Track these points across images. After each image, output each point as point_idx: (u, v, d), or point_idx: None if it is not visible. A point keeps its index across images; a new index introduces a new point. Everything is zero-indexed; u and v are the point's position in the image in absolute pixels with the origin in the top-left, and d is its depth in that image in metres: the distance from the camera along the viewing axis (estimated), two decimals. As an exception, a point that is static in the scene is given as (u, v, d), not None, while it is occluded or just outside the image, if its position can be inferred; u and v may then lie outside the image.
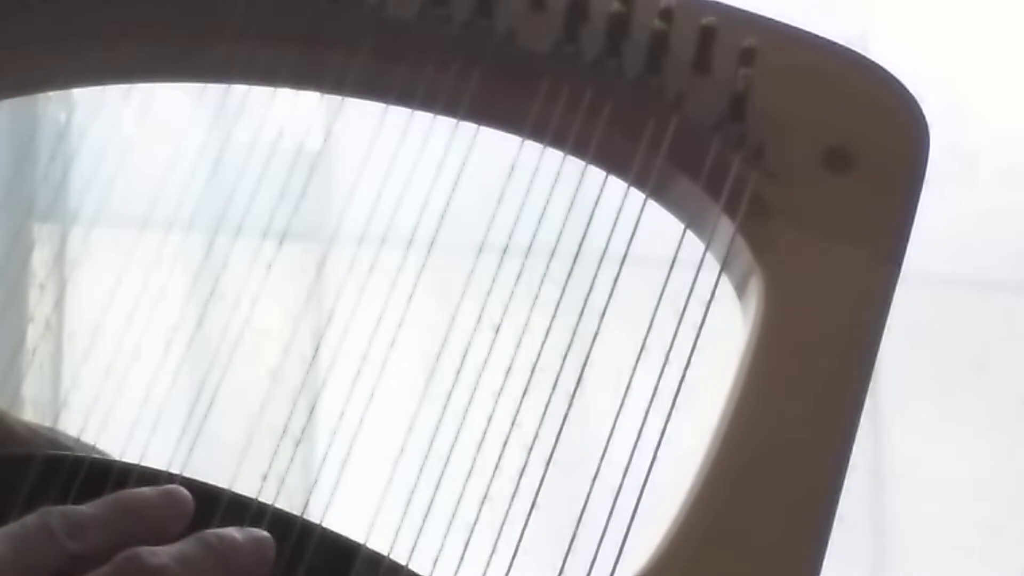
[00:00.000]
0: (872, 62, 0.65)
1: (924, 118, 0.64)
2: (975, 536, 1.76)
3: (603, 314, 0.60)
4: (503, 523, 0.57)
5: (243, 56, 0.63)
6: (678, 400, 0.58)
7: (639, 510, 0.57)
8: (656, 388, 0.59)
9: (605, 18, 0.63)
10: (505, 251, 0.61)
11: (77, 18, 0.64)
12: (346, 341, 0.61)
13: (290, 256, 0.63)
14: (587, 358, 0.60)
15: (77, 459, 0.57)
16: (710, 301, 0.60)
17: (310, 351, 0.63)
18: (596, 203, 0.62)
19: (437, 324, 0.62)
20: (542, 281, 0.60)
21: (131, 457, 0.60)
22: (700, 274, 0.61)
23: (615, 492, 0.58)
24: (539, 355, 0.58)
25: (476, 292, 0.61)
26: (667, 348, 0.60)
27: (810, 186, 0.63)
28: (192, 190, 0.66)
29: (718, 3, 0.64)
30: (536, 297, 0.59)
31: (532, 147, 0.64)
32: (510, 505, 0.57)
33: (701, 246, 0.63)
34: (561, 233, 0.60)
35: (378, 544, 0.57)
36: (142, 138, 0.71)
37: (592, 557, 0.57)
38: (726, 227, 0.62)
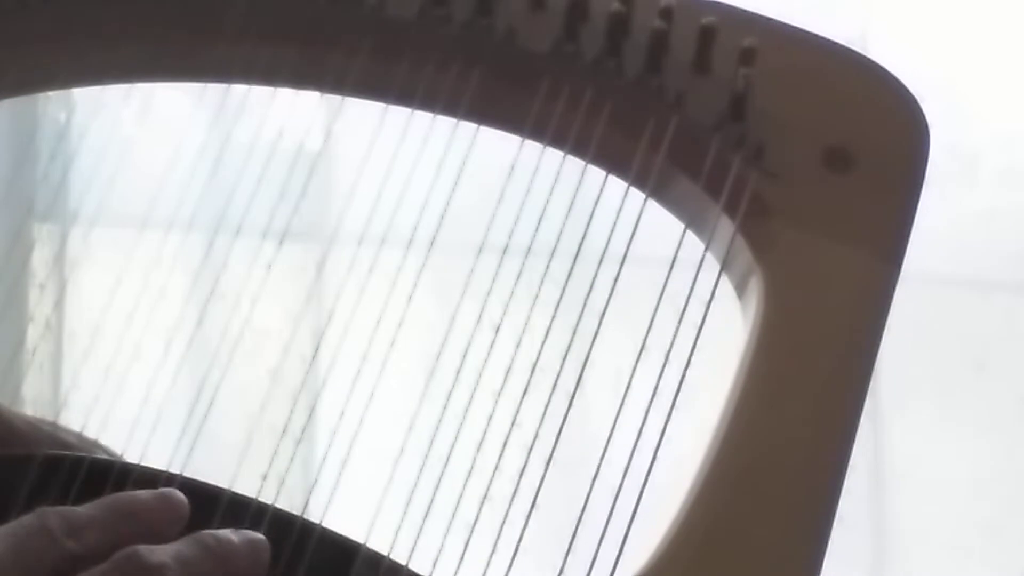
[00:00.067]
0: (872, 62, 0.65)
1: (924, 118, 0.64)
2: (975, 536, 1.76)
3: (603, 314, 0.60)
4: (503, 523, 0.57)
5: (243, 56, 0.63)
6: (678, 400, 0.58)
7: (639, 510, 0.57)
8: (656, 388, 0.59)
9: (605, 18, 0.63)
10: (505, 251, 0.61)
11: (77, 18, 0.64)
12: (346, 341, 0.61)
13: (290, 256, 0.63)
14: (587, 358, 0.60)
15: (77, 459, 0.57)
16: (710, 301, 0.60)
17: (310, 351, 0.63)
18: (596, 203, 0.62)
19: (437, 324, 0.62)
20: (542, 281, 0.60)
21: (131, 457, 0.60)
22: (700, 274, 0.61)
23: (615, 492, 0.58)
24: (539, 355, 0.58)
25: (476, 292, 0.61)
26: (667, 348, 0.60)
27: (810, 186, 0.63)
28: (192, 190, 0.66)
29: (718, 3, 0.64)
30: (536, 297, 0.59)
31: (532, 147, 0.64)
32: (510, 505, 0.57)
33: (701, 246, 0.63)
34: (561, 233, 0.60)
35: (378, 544, 0.57)
36: (142, 138, 0.71)
37: (592, 557, 0.57)
38: (726, 227, 0.62)
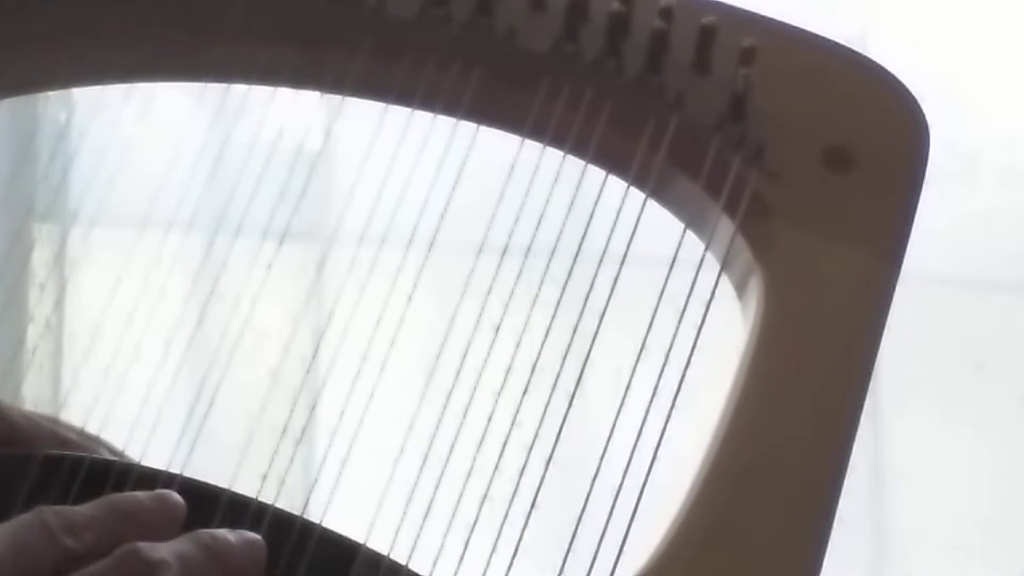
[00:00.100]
0: (872, 62, 0.65)
1: (924, 118, 0.64)
2: (975, 536, 1.76)
3: (603, 314, 0.60)
4: (503, 523, 0.57)
5: (243, 56, 0.63)
6: (678, 400, 0.58)
7: (639, 510, 0.57)
8: (656, 388, 0.59)
9: (605, 17, 0.63)
10: (505, 251, 0.61)
11: (77, 18, 0.64)
12: (346, 341, 0.61)
13: (290, 256, 0.63)
14: (587, 358, 0.60)
15: (77, 459, 0.57)
16: (710, 301, 0.60)
17: (310, 351, 0.63)
18: (596, 203, 0.62)
19: (437, 324, 0.62)
20: (542, 281, 0.60)
21: (131, 457, 0.60)
22: (700, 274, 0.61)
23: (615, 492, 0.58)
24: (539, 355, 0.58)
25: (476, 292, 0.61)
26: (667, 348, 0.60)
27: (810, 186, 0.63)
28: (192, 190, 0.66)
29: (718, 3, 0.64)
30: (536, 297, 0.59)
31: (532, 147, 0.64)
32: (510, 505, 0.57)
33: (701, 246, 0.63)
34: (561, 233, 0.60)
35: (378, 544, 0.57)
36: (142, 138, 0.71)
37: (592, 557, 0.57)
38: (726, 227, 0.62)
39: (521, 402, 0.58)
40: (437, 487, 0.57)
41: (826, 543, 0.58)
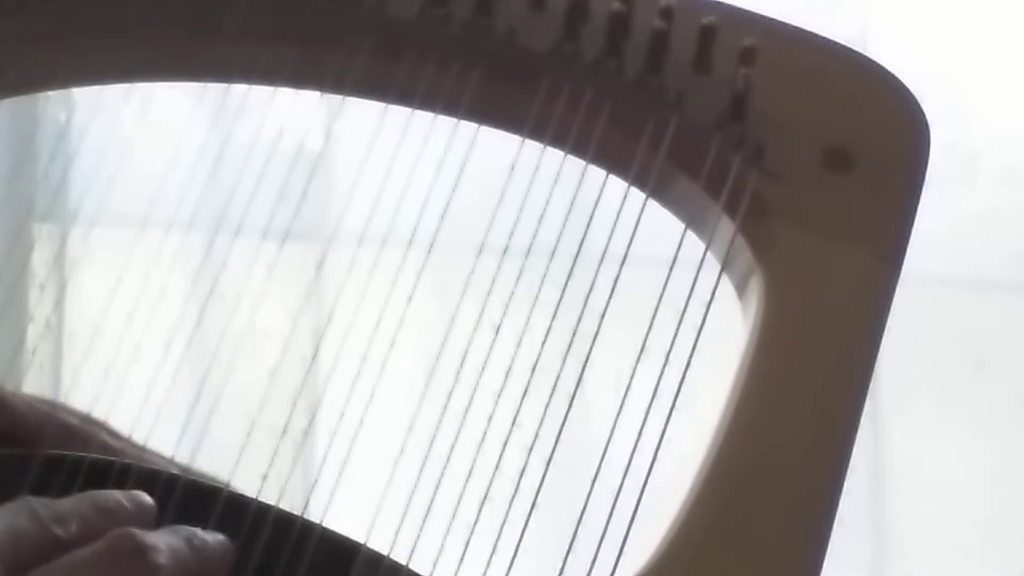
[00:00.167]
0: (872, 62, 0.65)
1: (924, 118, 0.64)
2: (975, 536, 1.76)
3: (603, 314, 0.60)
4: (503, 523, 0.57)
5: (243, 56, 0.63)
6: (678, 401, 0.58)
7: (639, 510, 0.57)
8: (656, 389, 0.59)
9: (605, 17, 0.63)
10: (505, 251, 0.61)
11: (77, 18, 0.64)
12: (346, 341, 0.61)
13: (290, 256, 0.63)
14: (587, 358, 0.60)
15: (77, 459, 0.57)
16: (710, 301, 0.60)
17: (310, 351, 0.63)
18: (596, 203, 0.62)
19: (437, 324, 0.62)
20: (542, 281, 0.60)
21: (135, 440, 0.60)
22: (700, 274, 0.61)
23: (615, 492, 0.58)
24: (539, 355, 0.58)
25: (476, 292, 0.61)
26: (667, 349, 0.60)
27: (810, 186, 0.63)
28: (192, 190, 0.66)
29: (718, 3, 0.64)
30: (536, 297, 0.59)
31: (532, 147, 0.64)
32: (510, 505, 0.57)
33: (701, 246, 0.63)
34: (561, 233, 0.60)
35: (378, 544, 0.57)
36: (142, 138, 0.71)
37: (592, 557, 0.57)
38: (726, 227, 0.62)
39: (521, 403, 0.58)
40: (437, 487, 0.57)
41: (826, 544, 0.58)
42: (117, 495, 0.55)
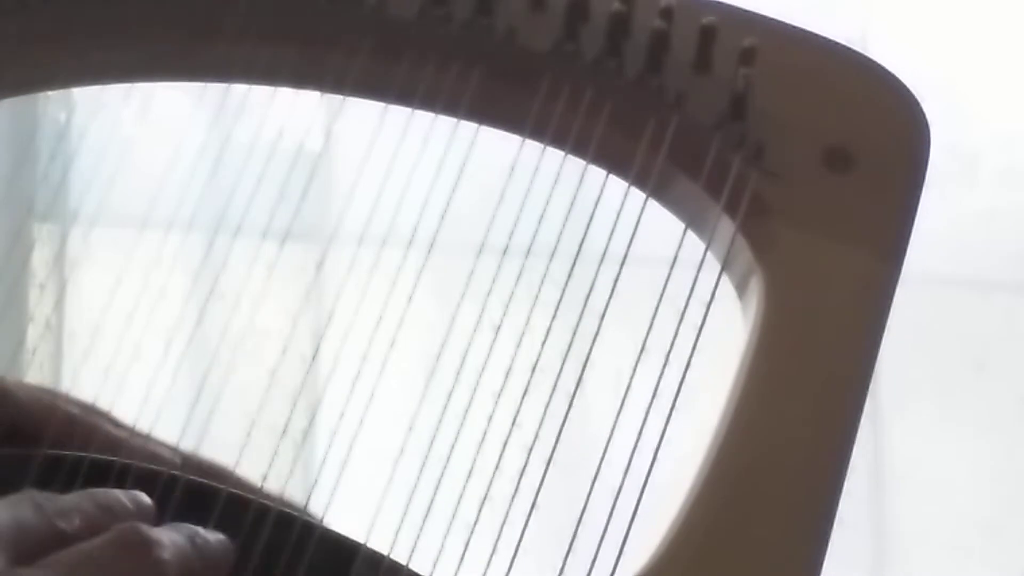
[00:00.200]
0: (873, 62, 0.65)
1: (924, 117, 0.64)
2: (975, 536, 1.76)
3: (603, 314, 0.60)
4: (503, 523, 0.57)
5: (243, 55, 0.63)
6: (678, 401, 0.58)
7: (639, 510, 0.57)
8: (656, 389, 0.59)
9: (606, 17, 0.63)
10: (505, 251, 0.61)
11: (77, 17, 0.64)
12: (346, 341, 0.61)
13: (290, 256, 0.63)
14: (587, 358, 0.60)
15: (77, 458, 0.57)
16: (710, 301, 0.60)
17: (310, 351, 0.63)
18: (596, 203, 0.62)
19: (437, 324, 0.62)
20: (542, 281, 0.60)
21: (137, 428, 0.60)
22: (700, 274, 0.61)
23: (615, 492, 0.58)
24: (539, 355, 0.58)
25: (476, 292, 0.61)
26: (667, 349, 0.60)
27: (810, 186, 0.63)
28: (192, 190, 0.66)
29: (718, 3, 0.64)
30: (536, 297, 0.59)
31: (532, 147, 0.64)
32: (510, 505, 0.57)
33: (701, 246, 0.63)
34: (561, 233, 0.60)
35: (378, 544, 0.57)
36: (142, 138, 0.71)
37: (592, 557, 0.57)
38: (726, 227, 0.62)
39: (521, 403, 0.58)
40: (437, 487, 0.57)
41: (826, 543, 0.58)
42: (118, 494, 0.55)
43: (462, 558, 0.57)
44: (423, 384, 0.60)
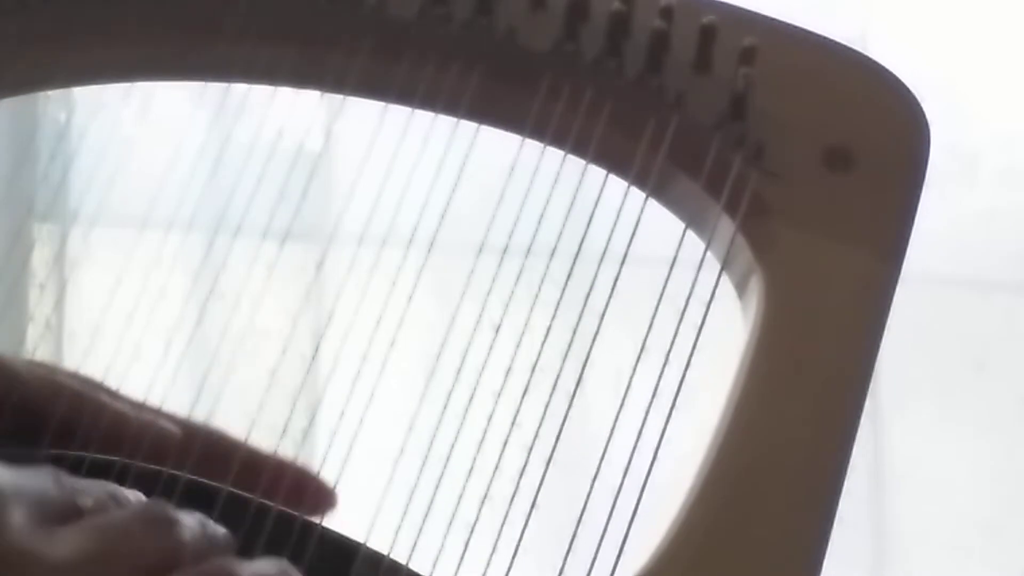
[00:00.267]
0: (873, 61, 0.65)
1: (925, 117, 0.64)
2: (975, 536, 1.76)
3: (603, 314, 0.60)
4: (503, 523, 0.57)
5: (243, 55, 0.63)
6: (678, 400, 0.58)
7: (639, 510, 0.57)
8: (656, 388, 0.59)
9: (606, 17, 0.63)
10: (505, 251, 0.61)
11: (77, 17, 0.64)
12: (346, 341, 0.61)
13: (290, 256, 0.63)
14: (587, 358, 0.59)
15: (78, 458, 0.57)
16: (710, 301, 0.60)
17: (310, 351, 0.63)
18: (596, 203, 0.62)
19: (437, 324, 0.62)
20: (542, 281, 0.60)
21: (133, 398, 0.60)
22: (700, 274, 0.61)
23: (615, 492, 0.58)
24: (539, 355, 0.58)
25: (476, 292, 0.61)
26: (667, 348, 0.60)
27: (810, 185, 0.63)
28: (192, 190, 0.66)
29: (718, 2, 0.64)
30: (536, 297, 0.59)
31: (532, 147, 0.64)
32: (510, 505, 0.57)
33: (701, 246, 0.63)
34: (561, 233, 0.60)
35: (378, 544, 0.57)
36: (142, 138, 0.71)
37: (592, 557, 0.56)
38: (726, 226, 0.62)
39: (521, 402, 0.58)
40: (437, 487, 0.57)
41: (826, 543, 0.58)
42: (125, 490, 0.56)
43: (462, 558, 0.57)
44: (423, 384, 0.60)
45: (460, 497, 0.57)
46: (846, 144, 0.63)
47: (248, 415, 0.61)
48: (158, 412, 0.60)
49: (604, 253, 0.61)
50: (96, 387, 0.60)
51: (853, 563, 1.69)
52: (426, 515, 0.57)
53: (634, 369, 0.59)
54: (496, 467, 0.57)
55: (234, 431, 0.62)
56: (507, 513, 0.57)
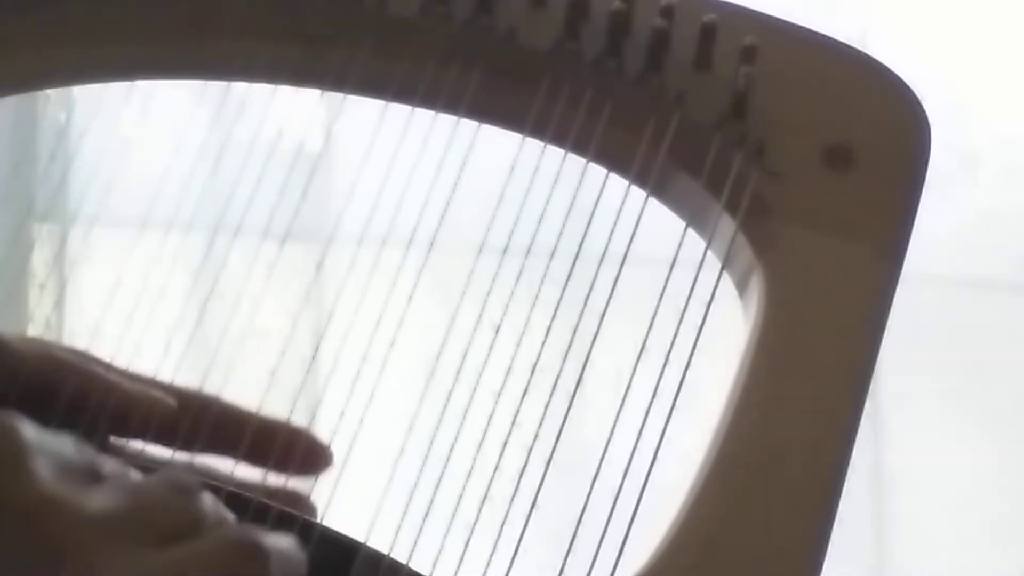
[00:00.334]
0: (873, 60, 0.65)
1: (925, 115, 0.64)
2: (975, 536, 1.76)
3: (603, 314, 0.60)
4: (503, 523, 0.57)
5: (244, 53, 0.63)
6: (678, 401, 0.58)
7: (639, 511, 0.57)
8: (656, 388, 0.59)
9: (606, 16, 0.63)
10: (505, 251, 0.61)
11: (77, 16, 0.64)
12: (346, 341, 0.61)
13: (290, 256, 0.64)
14: (587, 358, 0.59)
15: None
16: (711, 301, 0.60)
17: (310, 351, 0.63)
18: (596, 203, 0.62)
19: (437, 324, 0.62)
20: (542, 281, 0.60)
21: (128, 370, 0.60)
22: (700, 274, 0.61)
23: (615, 492, 0.58)
24: (539, 355, 0.58)
25: (476, 292, 0.61)
26: (667, 348, 0.60)
27: (811, 184, 0.63)
28: (192, 190, 0.66)
29: (719, 1, 0.64)
30: (536, 297, 0.59)
31: (532, 147, 0.64)
32: (510, 505, 0.57)
33: (701, 246, 0.63)
34: (561, 233, 0.60)
35: (378, 544, 0.57)
36: (142, 138, 0.71)
37: (592, 557, 0.56)
38: (727, 225, 0.62)
39: (521, 403, 0.58)
40: (437, 487, 0.57)
41: (827, 543, 0.58)
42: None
43: (462, 558, 0.57)
44: (423, 384, 0.60)
45: (460, 497, 0.57)
46: (847, 143, 0.63)
47: (248, 415, 0.61)
48: (151, 382, 0.60)
49: (604, 253, 0.61)
50: (88, 359, 0.60)
51: (853, 563, 1.69)
52: (426, 515, 0.57)
53: (634, 369, 0.59)
54: (496, 467, 0.57)
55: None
56: (507, 513, 0.57)
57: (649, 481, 0.57)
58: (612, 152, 0.63)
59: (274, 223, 0.63)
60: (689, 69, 0.63)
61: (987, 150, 1.83)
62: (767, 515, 0.58)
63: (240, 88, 0.65)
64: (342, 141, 0.70)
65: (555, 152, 0.63)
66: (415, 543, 0.56)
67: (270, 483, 0.60)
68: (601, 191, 0.62)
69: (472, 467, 0.57)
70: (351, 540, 0.57)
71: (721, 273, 0.62)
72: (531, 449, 0.58)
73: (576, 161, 0.63)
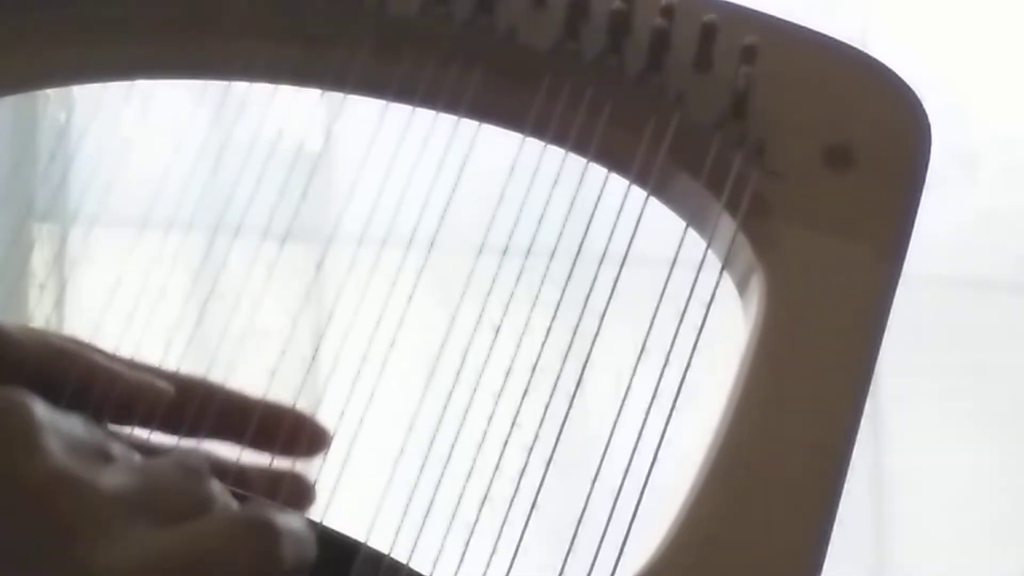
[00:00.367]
0: (874, 60, 0.65)
1: (926, 115, 0.64)
2: (975, 536, 1.76)
3: (603, 314, 0.60)
4: (503, 523, 0.57)
5: (244, 53, 0.63)
6: (678, 401, 0.58)
7: (639, 511, 0.57)
8: (656, 389, 0.59)
9: (606, 16, 0.63)
10: (505, 251, 0.61)
11: (77, 15, 0.64)
12: (346, 341, 0.61)
13: (290, 256, 0.64)
14: (587, 358, 0.59)
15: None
16: (711, 301, 0.60)
17: (310, 351, 0.63)
18: (596, 203, 0.62)
19: (437, 324, 0.62)
20: (542, 281, 0.60)
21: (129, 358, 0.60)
22: (700, 274, 0.61)
23: (615, 493, 0.58)
24: (539, 355, 0.58)
25: (476, 292, 0.61)
26: (667, 349, 0.60)
27: (811, 184, 0.63)
28: (192, 190, 0.66)
29: (719, 1, 0.64)
30: (536, 297, 0.59)
31: (533, 146, 0.64)
32: (510, 505, 0.57)
33: (701, 246, 0.63)
34: (561, 233, 0.60)
35: (378, 544, 0.57)
36: (142, 138, 0.71)
37: (592, 557, 0.56)
38: (727, 225, 0.62)
39: (521, 403, 0.58)
40: (437, 487, 0.57)
41: (827, 543, 0.58)
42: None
43: (462, 558, 0.57)
44: (423, 384, 0.60)
45: (460, 497, 0.57)
46: (847, 143, 0.63)
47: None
48: (153, 370, 0.60)
49: (604, 253, 0.61)
50: (87, 348, 0.60)
51: (853, 563, 1.69)
52: (426, 515, 0.57)
53: (634, 369, 0.59)
54: (496, 467, 0.57)
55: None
56: (507, 513, 0.57)
57: (649, 481, 0.57)
58: (612, 152, 0.63)
59: (274, 223, 0.63)
60: (689, 69, 0.63)
61: (987, 150, 1.83)
62: (767, 515, 0.58)
63: (240, 88, 0.65)
64: (342, 141, 0.70)
65: (555, 152, 0.63)
66: (415, 543, 0.56)
67: (274, 468, 0.60)
68: (601, 191, 0.62)
69: (472, 467, 0.57)
70: (351, 540, 0.57)
71: (721, 273, 0.62)
72: (531, 449, 0.58)
73: (576, 161, 0.63)
